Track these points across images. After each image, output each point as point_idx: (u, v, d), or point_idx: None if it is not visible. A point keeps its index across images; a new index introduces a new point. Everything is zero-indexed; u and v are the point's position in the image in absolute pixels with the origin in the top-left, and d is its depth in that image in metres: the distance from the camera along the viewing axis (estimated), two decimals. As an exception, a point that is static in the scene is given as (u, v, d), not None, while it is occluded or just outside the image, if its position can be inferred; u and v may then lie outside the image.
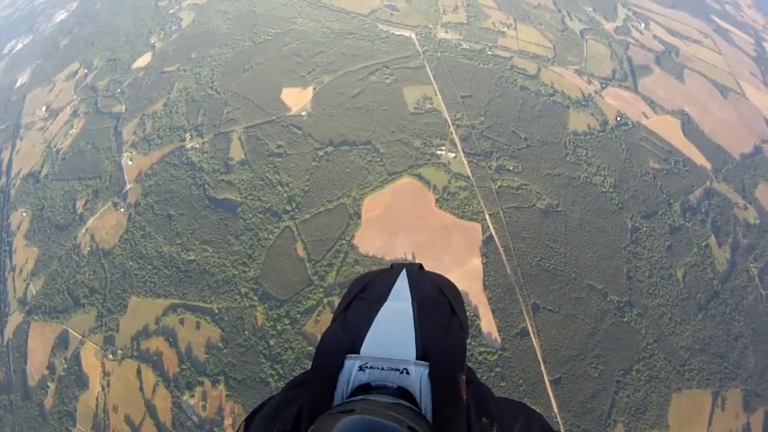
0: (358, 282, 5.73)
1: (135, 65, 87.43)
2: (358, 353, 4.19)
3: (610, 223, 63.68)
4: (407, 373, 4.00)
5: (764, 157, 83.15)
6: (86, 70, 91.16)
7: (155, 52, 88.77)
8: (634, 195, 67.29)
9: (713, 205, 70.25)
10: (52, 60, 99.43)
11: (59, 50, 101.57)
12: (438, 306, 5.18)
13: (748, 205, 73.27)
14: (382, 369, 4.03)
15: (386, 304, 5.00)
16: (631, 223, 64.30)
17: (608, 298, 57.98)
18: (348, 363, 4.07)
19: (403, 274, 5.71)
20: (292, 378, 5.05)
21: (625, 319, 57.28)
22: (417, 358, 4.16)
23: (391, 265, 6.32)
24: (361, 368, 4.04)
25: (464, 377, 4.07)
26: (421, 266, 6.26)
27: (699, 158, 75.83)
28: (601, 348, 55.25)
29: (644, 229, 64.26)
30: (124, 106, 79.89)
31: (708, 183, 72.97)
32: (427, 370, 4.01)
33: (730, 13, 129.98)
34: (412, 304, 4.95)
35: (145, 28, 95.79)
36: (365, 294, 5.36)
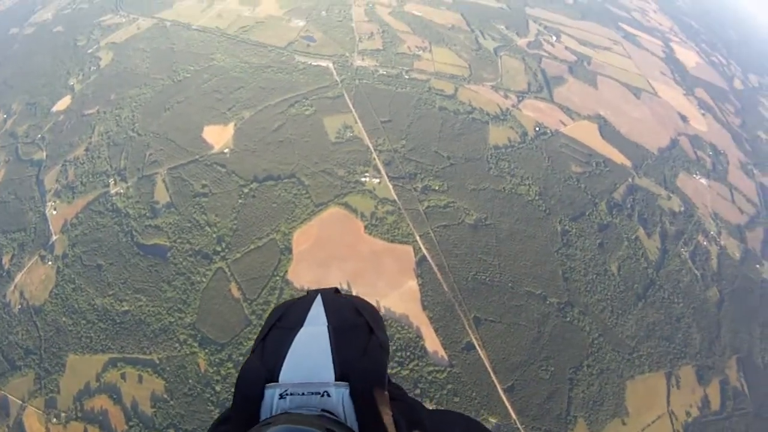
0: (275, 312, 5.73)
1: (55, 109, 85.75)
2: (277, 381, 4.27)
3: (539, 230, 66.22)
4: (328, 395, 4.13)
5: (681, 149, 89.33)
6: (5, 115, 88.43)
7: (74, 95, 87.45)
8: (560, 200, 70.40)
9: (638, 200, 74.59)
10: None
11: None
12: (354, 327, 5.20)
13: (671, 195, 78.29)
14: (303, 394, 4.13)
15: (302, 330, 5.07)
16: (560, 227, 67.12)
17: (548, 302, 60.07)
18: (268, 393, 4.18)
19: (318, 299, 5.72)
20: (217, 416, 5.60)
21: (568, 319, 59.48)
22: (336, 380, 4.27)
23: (307, 292, 6.25)
24: (281, 396, 4.13)
25: (386, 394, 4.22)
26: (336, 290, 6.38)
27: (619, 157, 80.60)
28: (549, 350, 57.01)
29: (574, 230, 67.25)
30: (45, 153, 77.95)
31: (630, 179, 77.45)
32: (347, 390, 4.17)
33: (637, 19, 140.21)
34: (328, 327, 5.04)
35: (64, 69, 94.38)
36: (282, 323, 5.39)
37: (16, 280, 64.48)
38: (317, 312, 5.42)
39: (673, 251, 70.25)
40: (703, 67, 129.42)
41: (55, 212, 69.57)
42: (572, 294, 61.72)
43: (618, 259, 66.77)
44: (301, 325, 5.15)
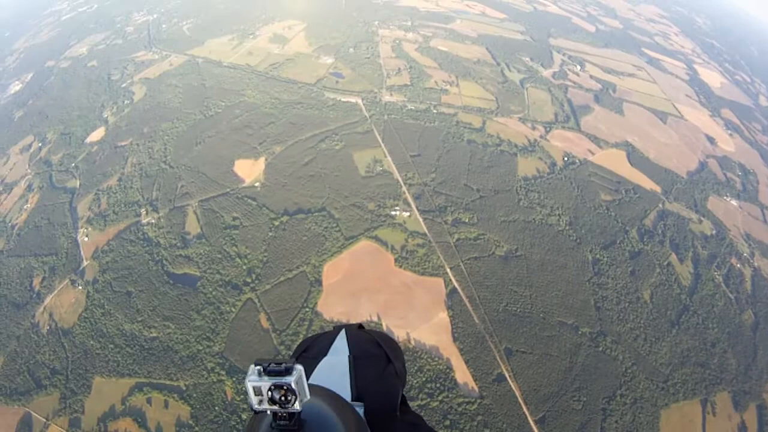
0: (303, 343, 6.27)
1: (89, 139, 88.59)
2: None
3: (570, 259, 66.25)
4: None
5: (710, 171, 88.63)
6: (40, 144, 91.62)
7: (108, 127, 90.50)
8: (590, 229, 70.41)
9: (669, 225, 74.05)
10: (6, 132, 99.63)
11: (13, 122, 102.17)
12: (373, 357, 5.72)
13: (702, 219, 77.51)
14: None
15: (326, 358, 5.53)
16: (591, 256, 67.03)
17: (580, 331, 59.75)
18: None
19: (342, 333, 6.25)
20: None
21: (600, 349, 58.91)
22: (353, 400, 4.64)
23: (333, 327, 6.69)
24: None
25: (397, 414, 4.99)
26: (360, 326, 6.85)
27: (648, 183, 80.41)
28: (581, 380, 56.44)
29: (605, 259, 67.00)
30: (78, 181, 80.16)
31: (660, 205, 76.99)
32: (362, 409, 4.55)
33: (659, 43, 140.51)
34: (349, 357, 5.49)
35: (98, 101, 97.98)
36: (308, 353, 5.92)
37: (46, 302, 66.10)
38: (341, 344, 6.06)
39: (706, 275, 69.38)
40: (727, 86, 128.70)
41: (86, 239, 71.31)
42: (604, 323, 61.27)
43: (650, 286, 66.20)
44: (325, 355, 5.79)
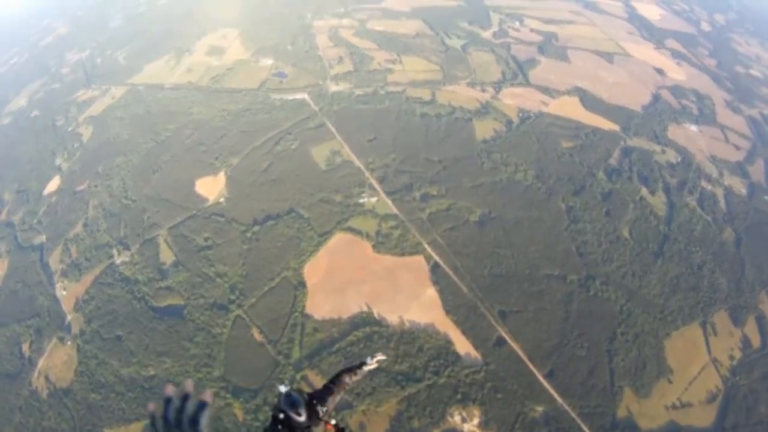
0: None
1: (46, 191, 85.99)
2: None
3: (544, 212, 66.67)
4: None
5: (665, 102, 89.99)
6: None
7: (63, 174, 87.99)
8: (558, 178, 70.85)
9: (634, 160, 75.10)
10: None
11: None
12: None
13: (665, 148, 78.93)
14: None
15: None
16: (564, 205, 67.56)
17: (568, 280, 60.25)
18: None
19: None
20: None
21: (592, 293, 59.60)
22: None
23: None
24: None
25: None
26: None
27: (606, 124, 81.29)
28: (580, 327, 57.07)
29: (578, 205, 67.62)
30: (44, 236, 78.15)
31: (622, 143, 78.03)
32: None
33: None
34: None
35: (48, 151, 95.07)
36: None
37: (39, 365, 64.27)
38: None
39: (680, 202, 70.68)
40: (667, 17, 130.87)
41: (65, 292, 69.60)
42: (590, 267, 61.89)
43: (628, 223, 67.16)
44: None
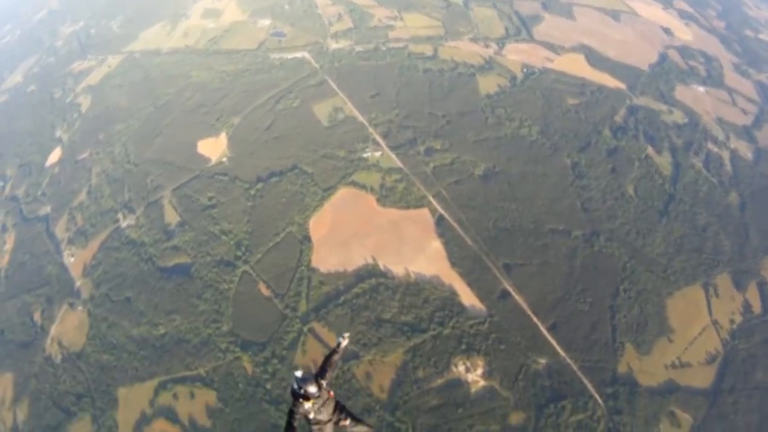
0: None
1: (48, 163, 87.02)
2: None
3: (549, 167, 67.13)
4: None
5: (672, 62, 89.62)
6: (2, 183, 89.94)
7: (64, 145, 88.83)
8: (563, 134, 71.08)
9: (640, 119, 75.12)
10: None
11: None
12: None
13: (672, 108, 78.60)
14: None
15: None
16: (569, 160, 67.92)
17: (572, 235, 61.06)
18: None
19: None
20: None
21: (596, 248, 60.39)
22: None
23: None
24: None
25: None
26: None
27: (612, 82, 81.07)
28: (583, 282, 57.97)
29: (583, 161, 67.99)
30: (49, 207, 79.24)
31: (628, 101, 77.90)
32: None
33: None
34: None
35: (47, 123, 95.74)
36: None
37: (51, 332, 65.82)
38: None
39: (685, 163, 70.74)
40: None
41: (72, 259, 70.81)
42: (595, 223, 62.59)
43: (633, 180, 67.52)
44: None
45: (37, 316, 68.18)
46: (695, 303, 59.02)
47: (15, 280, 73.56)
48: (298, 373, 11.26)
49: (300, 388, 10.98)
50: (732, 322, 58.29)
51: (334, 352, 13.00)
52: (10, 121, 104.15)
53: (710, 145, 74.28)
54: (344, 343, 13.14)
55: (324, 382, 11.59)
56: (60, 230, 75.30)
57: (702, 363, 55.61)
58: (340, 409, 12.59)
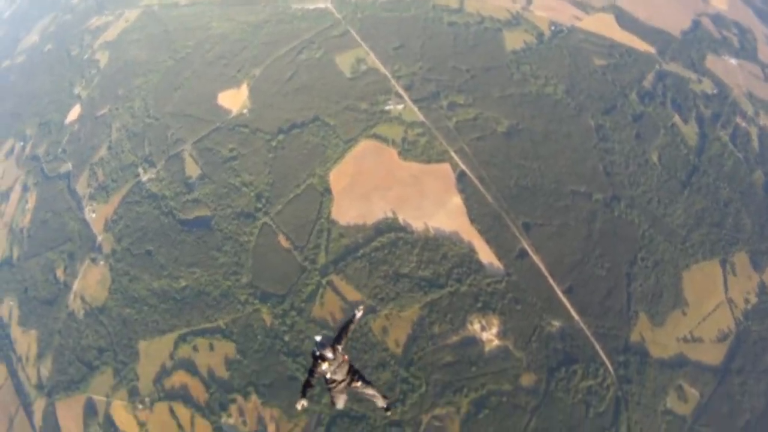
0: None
1: (67, 120, 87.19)
2: None
3: (573, 127, 66.48)
4: None
5: (704, 30, 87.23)
6: (22, 143, 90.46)
7: (83, 102, 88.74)
8: (588, 95, 70.07)
9: (668, 86, 73.68)
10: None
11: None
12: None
13: (702, 78, 76.84)
14: None
15: None
16: (593, 122, 67.08)
17: (593, 198, 61.01)
18: None
19: None
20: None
21: (616, 214, 60.38)
22: None
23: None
24: None
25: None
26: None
27: (642, 45, 79.21)
28: (602, 247, 58.24)
29: (608, 124, 67.21)
30: (70, 164, 79.92)
31: (657, 66, 76.28)
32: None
33: None
34: None
35: (65, 81, 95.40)
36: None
37: (74, 288, 67.32)
38: None
39: (712, 135, 69.70)
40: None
41: (94, 215, 71.99)
42: (616, 188, 62.37)
43: (657, 148, 66.84)
44: None
45: (59, 273, 69.73)
46: (712, 278, 59.28)
47: (38, 238, 74.87)
48: (318, 338, 12.61)
49: (318, 351, 12.17)
50: (747, 302, 58.62)
51: (350, 322, 13.92)
52: (28, 81, 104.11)
53: (739, 119, 72.84)
54: (359, 315, 14.16)
55: (340, 347, 12.69)
56: (81, 187, 76.15)
57: (713, 340, 56.35)
58: (353, 372, 13.81)
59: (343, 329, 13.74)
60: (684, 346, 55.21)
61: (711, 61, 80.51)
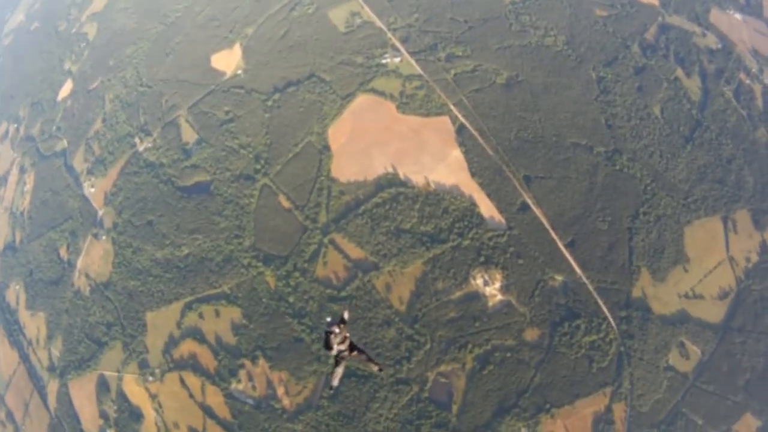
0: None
1: (60, 97, 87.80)
2: None
3: (574, 79, 66.82)
4: None
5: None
6: (16, 124, 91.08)
7: (74, 76, 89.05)
8: (589, 46, 70.18)
9: (671, 39, 73.74)
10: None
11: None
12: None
13: (706, 32, 76.78)
14: None
15: None
16: (594, 74, 67.45)
17: (595, 151, 61.75)
18: None
19: None
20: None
21: (617, 167, 61.26)
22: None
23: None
24: None
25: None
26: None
27: (644, -5, 79.39)
28: (603, 200, 59.33)
29: (609, 76, 67.57)
30: (65, 141, 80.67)
31: (660, 18, 76.02)
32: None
33: None
34: None
35: (55, 58, 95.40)
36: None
37: (78, 265, 68.93)
38: None
39: (715, 90, 70.16)
40: None
41: (93, 189, 73.17)
42: (618, 141, 63.08)
43: (659, 101, 67.30)
44: None
45: (63, 252, 71.33)
46: (713, 235, 60.58)
47: (38, 219, 76.16)
48: (329, 319, 17.50)
49: (329, 328, 16.56)
50: (748, 260, 60.05)
51: (342, 321, 17.53)
52: (18, 61, 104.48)
53: (742, 76, 73.19)
54: (347, 315, 17.83)
55: (343, 326, 16.78)
56: (78, 162, 77.14)
57: (714, 297, 57.97)
58: (352, 345, 17.40)
59: (341, 318, 17.65)
60: (686, 303, 56.85)
61: (715, 15, 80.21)
